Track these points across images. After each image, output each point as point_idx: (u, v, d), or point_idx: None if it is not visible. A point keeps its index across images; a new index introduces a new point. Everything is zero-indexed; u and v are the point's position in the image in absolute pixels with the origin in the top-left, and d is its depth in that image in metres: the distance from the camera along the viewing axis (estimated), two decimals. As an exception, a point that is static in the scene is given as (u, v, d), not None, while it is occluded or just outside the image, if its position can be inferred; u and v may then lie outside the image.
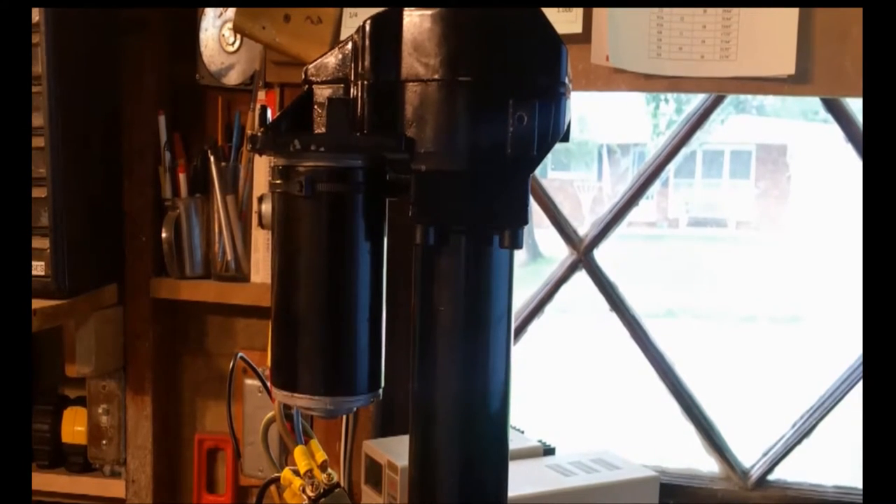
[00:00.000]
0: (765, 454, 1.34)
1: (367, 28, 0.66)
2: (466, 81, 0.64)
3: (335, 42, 1.14)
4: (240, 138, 1.32)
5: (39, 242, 1.18)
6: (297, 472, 0.78)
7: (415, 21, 0.65)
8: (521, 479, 1.06)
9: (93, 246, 1.27)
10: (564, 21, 1.13)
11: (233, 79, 1.33)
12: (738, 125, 9.17)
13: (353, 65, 0.67)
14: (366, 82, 0.66)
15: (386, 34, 0.65)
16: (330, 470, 0.78)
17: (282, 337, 0.70)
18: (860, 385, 1.29)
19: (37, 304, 1.14)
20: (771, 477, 1.33)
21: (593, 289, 1.39)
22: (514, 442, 1.13)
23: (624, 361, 1.96)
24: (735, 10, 1.08)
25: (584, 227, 1.39)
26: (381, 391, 0.72)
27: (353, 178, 0.67)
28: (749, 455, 1.36)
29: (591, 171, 9.34)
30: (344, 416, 1.28)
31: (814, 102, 1.25)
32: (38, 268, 1.18)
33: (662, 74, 1.11)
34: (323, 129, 0.67)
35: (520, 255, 0.70)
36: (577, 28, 1.13)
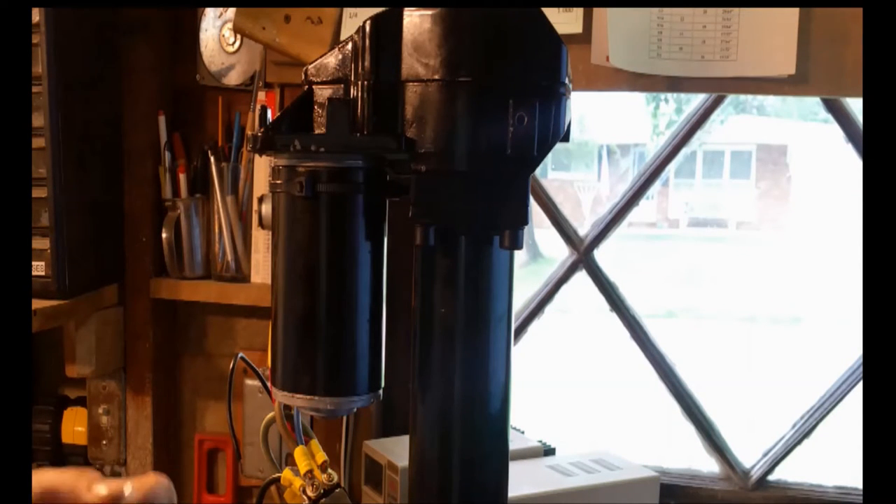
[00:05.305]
0: (765, 454, 1.34)
1: (367, 28, 0.65)
2: (466, 81, 0.64)
3: (335, 42, 1.14)
4: (240, 139, 1.32)
5: (39, 242, 1.18)
6: (297, 473, 0.78)
7: (415, 21, 0.65)
8: (522, 479, 1.06)
9: (93, 246, 1.27)
10: (564, 21, 1.13)
11: (233, 79, 1.33)
12: (738, 125, 9.16)
13: (353, 65, 0.67)
14: (366, 82, 0.65)
15: (386, 34, 0.65)
16: (330, 470, 0.78)
17: (282, 337, 0.70)
18: (860, 385, 1.29)
19: (37, 304, 1.14)
20: (771, 477, 1.33)
21: (593, 289, 1.39)
22: (515, 442, 1.13)
23: (624, 362, 1.96)
24: (735, 10, 1.08)
25: (584, 227, 1.39)
26: (381, 391, 0.72)
27: (353, 178, 0.67)
28: (749, 455, 1.35)
29: (591, 172, 9.32)
30: (344, 417, 1.28)
31: (814, 102, 1.25)
32: (38, 268, 1.18)
33: (663, 74, 1.11)
34: (323, 130, 0.67)
35: (520, 255, 0.70)
36: (577, 28, 1.13)
